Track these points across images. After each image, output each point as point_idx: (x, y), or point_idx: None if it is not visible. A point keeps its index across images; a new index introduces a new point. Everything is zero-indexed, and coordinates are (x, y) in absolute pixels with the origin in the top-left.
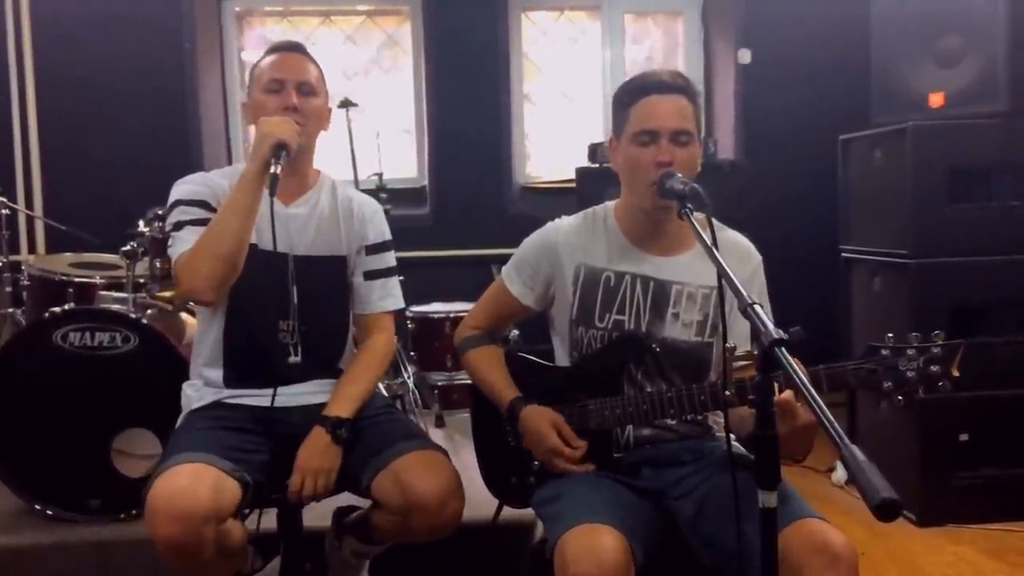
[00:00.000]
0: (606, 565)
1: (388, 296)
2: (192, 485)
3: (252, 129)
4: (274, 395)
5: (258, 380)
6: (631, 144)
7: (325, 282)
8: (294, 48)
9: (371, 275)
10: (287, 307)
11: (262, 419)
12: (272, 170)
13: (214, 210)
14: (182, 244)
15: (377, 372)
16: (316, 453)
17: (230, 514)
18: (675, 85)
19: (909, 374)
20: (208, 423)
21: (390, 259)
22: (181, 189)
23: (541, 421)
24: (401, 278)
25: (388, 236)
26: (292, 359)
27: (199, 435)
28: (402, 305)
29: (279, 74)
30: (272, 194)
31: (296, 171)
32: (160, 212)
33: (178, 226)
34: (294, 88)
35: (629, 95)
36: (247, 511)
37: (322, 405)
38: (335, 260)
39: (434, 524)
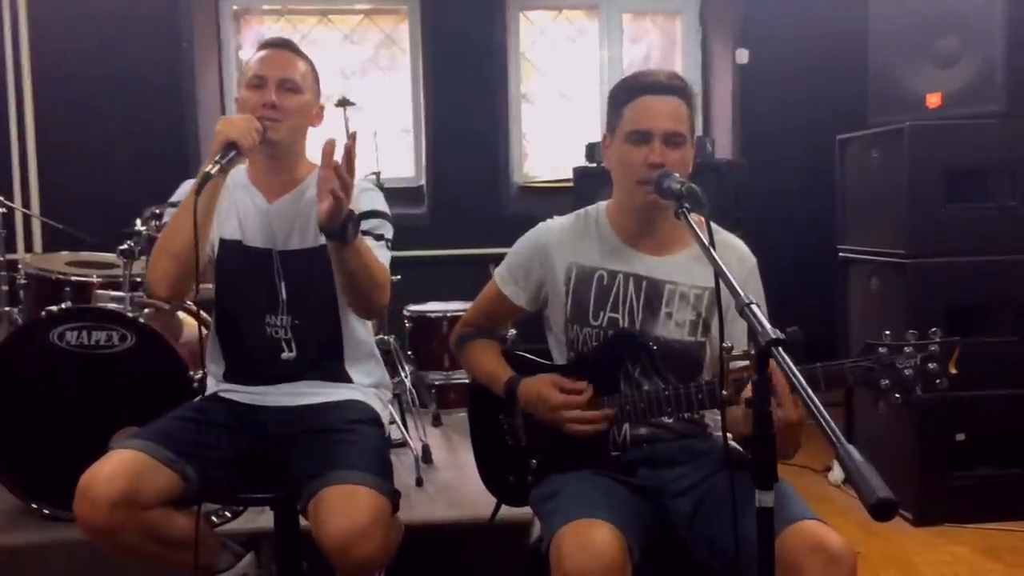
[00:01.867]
0: (601, 560)
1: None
2: (113, 471)
3: None
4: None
5: (248, 375)
6: (624, 143)
7: (313, 275)
8: (281, 45)
9: None
10: (275, 303)
11: (242, 416)
12: (207, 168)
13: None
14: None
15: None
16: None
17: (156, 503)
18: (670, 86)
19: (907, 372)
20: (185, 412)
21: (378, 225)
22: (179, 189)
23: (540, 384)
24: (398, 277)
25: (377, 207)
26: (285, 355)
27: (163, 424)
28: (385, 267)
29: (262, 70)
30: (197, 193)
31: (283, 168)
32: (157, 211)
33: (165, 226)
34: (275, 85)
35: (624, 94)
36: (228, 509)
37: (303, 407)
38: (319, 251)
39: (343, 566)
